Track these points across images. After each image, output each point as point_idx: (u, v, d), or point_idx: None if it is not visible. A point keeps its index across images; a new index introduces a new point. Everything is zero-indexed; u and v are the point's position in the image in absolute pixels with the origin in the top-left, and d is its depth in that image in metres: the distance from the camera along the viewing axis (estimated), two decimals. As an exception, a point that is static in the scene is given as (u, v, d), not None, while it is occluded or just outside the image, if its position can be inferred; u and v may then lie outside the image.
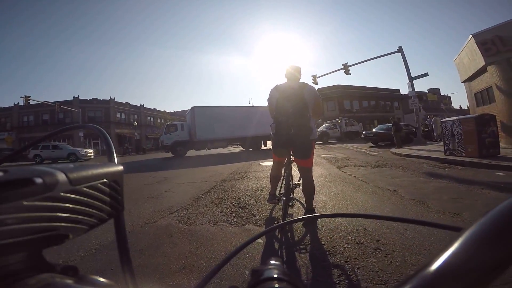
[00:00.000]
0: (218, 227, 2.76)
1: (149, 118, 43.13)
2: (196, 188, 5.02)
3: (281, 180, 2.87)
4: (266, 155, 11.85)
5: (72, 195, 0.23)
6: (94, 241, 2.51)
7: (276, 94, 2.55)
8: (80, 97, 33.76)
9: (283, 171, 2.79)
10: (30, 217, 0.20)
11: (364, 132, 16.64)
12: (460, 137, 6.76)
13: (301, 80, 2.63)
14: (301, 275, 1.76)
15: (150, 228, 2.88)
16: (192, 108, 16.84)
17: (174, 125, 17.39)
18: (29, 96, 20.36)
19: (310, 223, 2.55)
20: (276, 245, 2.25)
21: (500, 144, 6.85)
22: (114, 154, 0.36)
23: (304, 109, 2.41)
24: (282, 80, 2.75)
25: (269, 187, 2.98)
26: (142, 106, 41.59)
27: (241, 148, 20.73)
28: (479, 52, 9.67)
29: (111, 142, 0.39)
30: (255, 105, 24.27)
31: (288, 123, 2.39)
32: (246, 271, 1.81)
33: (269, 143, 19.76)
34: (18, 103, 32.76)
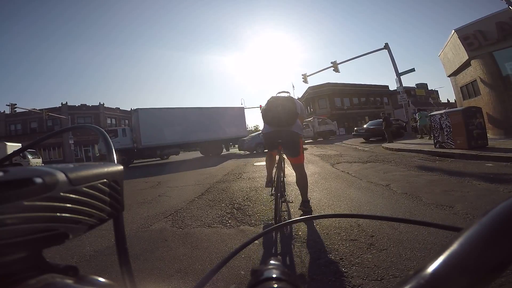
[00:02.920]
0: (213, 229, 2.75)
1: (140, 122, 42.57)
2: (190, 191, 4.99)
3: (273, 179, 3.01)
4: (259, 155, 11.85)
5: (72, 195, 0.23)
6: (88, 247, 2.49)
7: (270, 98, 2.91)
8: (69, 104, 33.06)
9: (277, 157, 2.97)
10: (30, 217, 0.20)
11: (355, 128, 16.83)
12: (448, 130, 6.90)
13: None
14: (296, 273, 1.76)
15: (144, 232, 2.85)
16: (136, 110, 14.87)
17: (113, 130, 15.33)
18: (15, 104, 19.88)
19: (305, 221, 2.57)
20: (271, 244, 2.24)
21: (488, 135, 7.01)
22: (114, 154, 0.36)
23: (293, 107, 2.73)
24: (274, 87, 3.00)
25: (264, 187, 3.10)
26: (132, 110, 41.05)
27: (200, 154, 18.45)
28: (462, 46, 9.89)
29: (111, 142, 0.39)
30: (246, 106, 23.65)
31: (279, 116, 2.72)
32: (242, 272, 1.80)
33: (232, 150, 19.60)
34: (4, 111, 31.90)
